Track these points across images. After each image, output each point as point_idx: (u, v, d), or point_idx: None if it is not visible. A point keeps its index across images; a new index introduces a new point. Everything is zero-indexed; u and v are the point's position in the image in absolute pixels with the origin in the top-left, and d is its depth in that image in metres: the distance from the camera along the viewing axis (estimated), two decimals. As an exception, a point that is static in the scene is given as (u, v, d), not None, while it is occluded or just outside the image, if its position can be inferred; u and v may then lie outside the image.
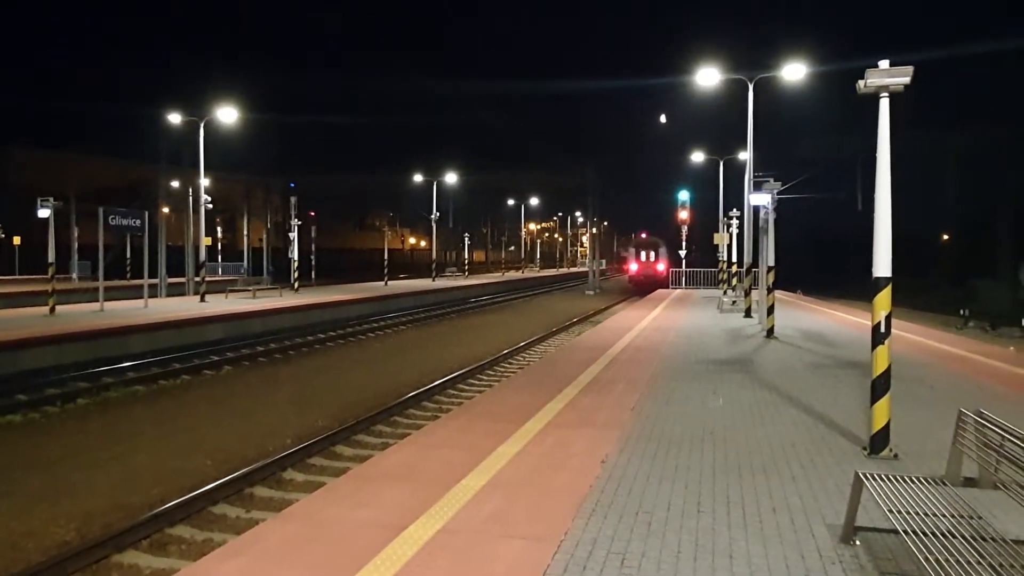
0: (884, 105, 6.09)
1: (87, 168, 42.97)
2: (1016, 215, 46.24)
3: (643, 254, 28.54)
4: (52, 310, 19.12)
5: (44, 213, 19.58)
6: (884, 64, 5.96)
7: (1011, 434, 3.79)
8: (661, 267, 30.51)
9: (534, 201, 76.22)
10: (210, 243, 34.41)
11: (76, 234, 40.52)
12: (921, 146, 41.55)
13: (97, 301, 20.83)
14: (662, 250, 31.52)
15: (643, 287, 28.41)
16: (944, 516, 3.69)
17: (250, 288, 28.35)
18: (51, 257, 20.05)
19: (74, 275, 38.77)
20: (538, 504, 5.01)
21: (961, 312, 28.27)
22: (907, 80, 5.89)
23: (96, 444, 9.34)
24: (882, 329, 6.15)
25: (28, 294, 26.59)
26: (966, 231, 52.92)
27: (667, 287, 39.20)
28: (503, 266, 75.17)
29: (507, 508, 4.93)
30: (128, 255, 38.81)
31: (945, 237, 58.81)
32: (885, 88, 6.00)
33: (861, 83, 6.01)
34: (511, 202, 77.66)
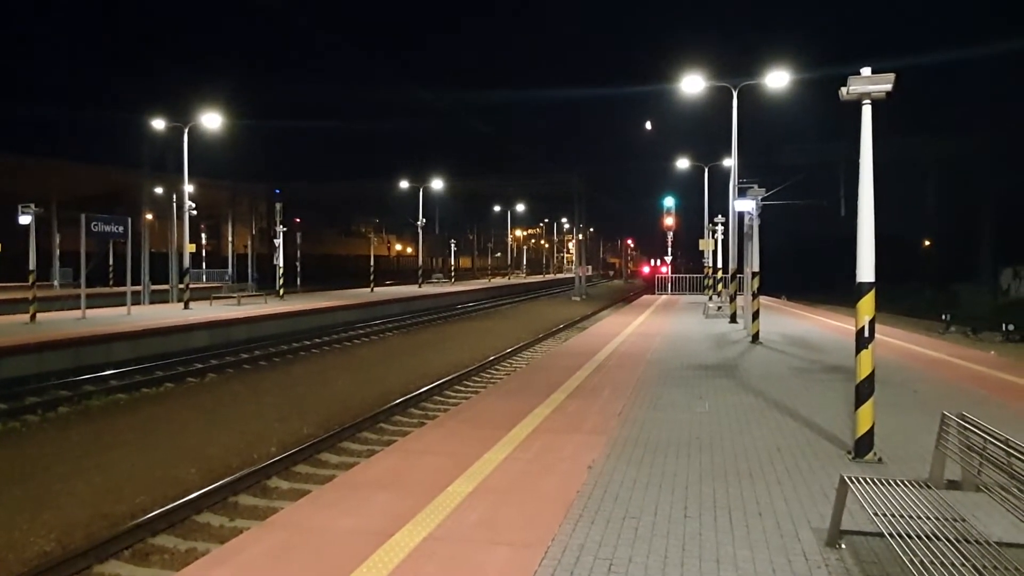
0: (866, 112, 6.15)
1: (69, 174, 42.40)
2: (996, 221, 46.88)
3: (653, 261, 39.07)
4: (33, 317, 18.90)
5: (25, 220, 19.38)
6: (866, 71, 6.02)
7: (993, 437, 3.83)
8: (664, 269, 41.16)
9: (520, 207, 76.25)
10: (194, 250, 34.18)
11: (58, 241, 40.06)
12: (903, 153, 42.00)
13: (79, 308, 20.60)
14: (666, 258, 40.05)
15: (651, 283, 39.04)
16: (928, 519, 3.72)
17: (235, 295, 28.16)
18: (32, 264, 19.83)
19: (55, 282, 38.32)
20: (525, 510, 5.00)
21: (943, 317, 28.57)
22: (889, 87, 5.95)
23: (78, 453, 9.22)
24: (866, 334, 6.19)
25: (8, 302, 26.24)
26: (947, 237, 53.55)
27: (653, 292, 39.43)
28: (489, 272, 75.16)
29: (494, 514, 4.91)
30: (111, 262, 38.47)
31: (927, 243, 59.46)
32: (867, 95, 6.06)
33: (844, 90, 6.07)
34: (497, 208, 77.68)
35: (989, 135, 47.85)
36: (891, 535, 3.53)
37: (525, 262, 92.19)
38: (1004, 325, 25.51)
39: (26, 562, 6.03)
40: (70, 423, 11.04)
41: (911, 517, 3.73)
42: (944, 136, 50.07)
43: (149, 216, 34.97)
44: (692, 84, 19.68)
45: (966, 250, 48.03)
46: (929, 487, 4.22)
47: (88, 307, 20.85)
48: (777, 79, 19.05)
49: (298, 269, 48.23)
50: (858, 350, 6.24)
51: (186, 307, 23.90)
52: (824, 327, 19.26)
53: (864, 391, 6.20)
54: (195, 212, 26.68)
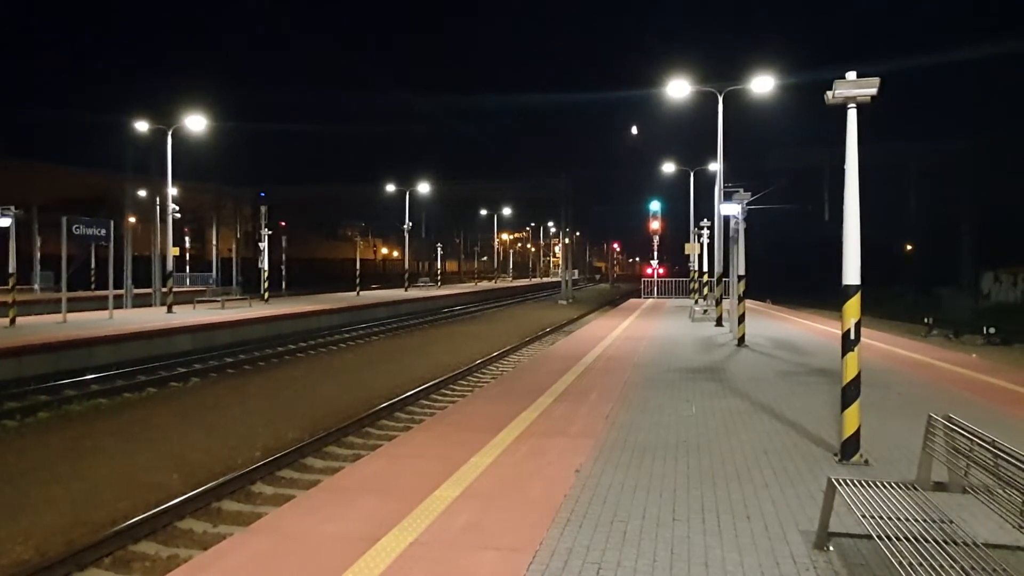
0: (852, 116, 6.18)
1: (50, 177, 41.99)
2: (978, 225, 47.40)
3: (653, 263, 43.77)
4: (12, 321, 18.63)
5: (5, 222, 19.12)
6: (851, 75, 6.05)
7: (980, 439, 3.84)
8: (661, 271, 43.62)
9: (507, 211, 76.31)
10: (178, 253, 33.79)
11: (39, 244, 39.60)
12: (886, 157, 42.42)
13: (60, 312, 20.34)
14: (653, 262, 45.28)
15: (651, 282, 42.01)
16: (915, 520, 3.72)
17: (219, 299, 27.95)
18: (12, 267, 19.57)
19: (36, 286, 37.84)
20: (512, 514, 4.96)
21: (925, 320, 28.85)
22: (874, 91, 5.99)
23: (57, 459, 9.07)
24: (852, 336, 6.21)
25: (-13, 305, 25.86)
26: (930, 241, 54.10)
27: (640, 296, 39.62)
28: (476, 276, 75.10)
29: (481, 519, 4.87)
30: (93, 265, 38.03)
31: (909, 247, 60.03)
32: (852, 99, 6.09)
33: (829, 94, 6.10)
34: (484, 212, 77.70)
35: (971, 140, 48.45)
36: (879, 537, 3.53)
37: (511, 266, 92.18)
38: (985, 328, 25.80)
39: (3, 570, 5.91)
40: (50, 428, 10.88)
41: (898, 519, 3.73)
42: (926, 141, 50.63)
43: (132, 219, 34.68)
44: (678, 88, 19.76)
45: (948, 254, 48.54)
46: (916, 489, 4.23)
47: (69, 311, 20.59)
48: (762, 84, 19.18)
49: (283, 273, 47.96)
50: (844, 352, 6.26)
51: (169, 311, 23.66)
52: (809, 330, 19.38)
53: (850, 393, 6.22)
54: (179, 215, 26.43)
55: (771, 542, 4.49)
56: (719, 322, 20.28)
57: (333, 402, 12.60)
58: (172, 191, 25.98)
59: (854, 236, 6.24)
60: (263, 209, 32.83)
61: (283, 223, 52.89)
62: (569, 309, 39.68)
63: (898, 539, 3.46)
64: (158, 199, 30.98)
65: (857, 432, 6.24)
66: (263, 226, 31.70)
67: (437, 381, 14.45)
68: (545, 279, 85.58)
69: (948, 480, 4.33)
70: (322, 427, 10.67)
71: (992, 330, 25.43)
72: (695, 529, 4.71)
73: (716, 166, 20.57)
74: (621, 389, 9.88)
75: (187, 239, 47.05)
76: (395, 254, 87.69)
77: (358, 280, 39.31)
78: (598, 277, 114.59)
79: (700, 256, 30.05)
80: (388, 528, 4.67)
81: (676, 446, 6.85)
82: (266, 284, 30.98)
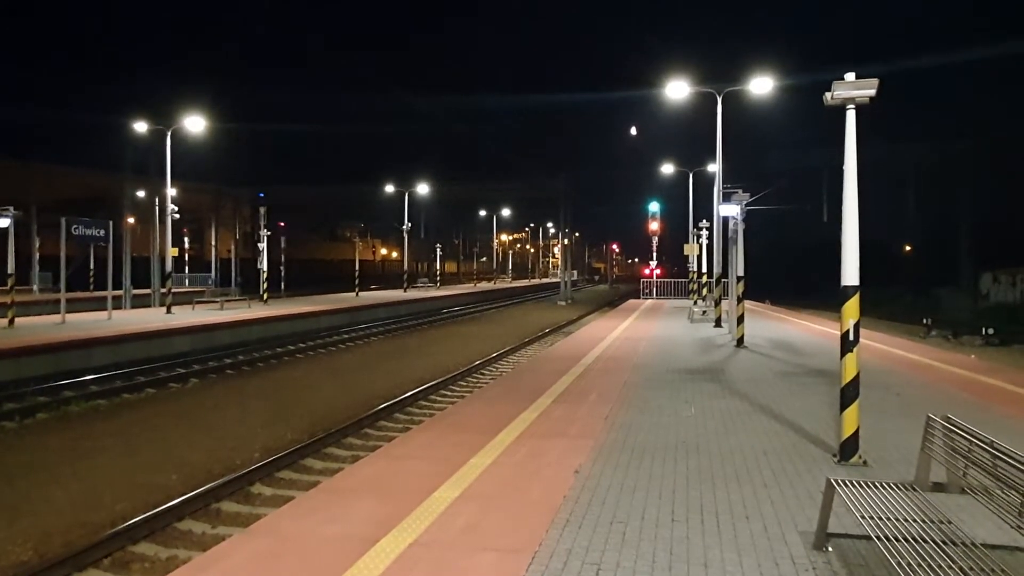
0: (851, 117, 6.19)
1: (49, 177, 42.01)
2: (976, 226, 47.44)
3: (651, 264, 44.88)
4: (11, 322, 18.62)
5: (3, 223, 19.13)
6: (850, 76, 6.06)
7: (979, 440, 3.85)
8: (659, 272, 44.43)
9: (506, 212, 76.36)
10: (177, 254, 33.76)
11: (37, 244, 39.58)
12: (884, 158, 42.48)
13: (59, 313, 20.34)
14: (651, 263, 46.02)
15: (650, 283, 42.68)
16: (914, 521, 3.73)
17: (218, 299, 27.94)
18: (11, 268, 19.57)
19: (35, 287, 37.81)
20: (512, 515, 4.97)
21: (924, 321, 28.87)
22: (873, 92, 6.00)
23: (56, 460, 9.07)
24: (851, 337, 6.22)
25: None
26: (928, 242, 54.14)
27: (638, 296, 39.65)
28: (475, 277, 75.11)
29: (480, 520, 4.87)
30: (91, 266, 38.01)
31: (907, 248, 60.08)
32: (852, 100, 6.10)
33: (828, 95, 6.11)
34: (483, 213, 77.75)
35: (971, 140, 48.49)
36: (878, 537, 3.53)
37: (511, 267, 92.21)
38: (984, 329, 25.83)
39: (3, 571, 5.91)
40: (48, 429, 10.87)
41: (897, 519, 3.73)
42: (926, 140, 50.67)
43: (131, 220, 34.66)
44: (677, 89, 19.77)
45: (946, 255, 48.58)
46: (915, 489, 4.23)
47: (68, 311, 20.58)
48: (761, 85, 19.20)
49: (282, 273, 47.92)
50: (843, 353, 6.27)
51: (168, 311, 23.66)
52: (808, 331, 19.39)
53: (849, 394, 6.22)
54: (178, 216, 26.43)
55: (770, 543, 4.50)
56: (718, 323, 20.29)
57: (332, 403, 12.59)
58: (171, 192, 25.98)
59: (853, 236, 6.25)
60: (262, 210, 32.81)
61: (282, 224, 52.88)
62: (568, 310, 39.69)
63: (897, 540, 3.47)
64: (157, 200, 30.98)
65: (856, 433, 6.25)
66: (262, 227, 31.68)
67: (436, 382, 14.45)
68: (544, 280, 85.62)
69: (947, 481, 4.34)
70: (321, 428, 10.67)
71: (991, 331, 25.46)
72: (694, 530, 4.72)
73: (715, 167, 20.58)
74: (620, 390, 9.89)
75: (186, 240, 47.03)
76: (394, 255, 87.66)
77: (357, 281, 39.31)
78: (597, 278, 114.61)
79: (699, 257, 30.08)
80: (387, 529, 4.67)
81: (675, 447, 6.85)
82: (265, 285, 30.96)
